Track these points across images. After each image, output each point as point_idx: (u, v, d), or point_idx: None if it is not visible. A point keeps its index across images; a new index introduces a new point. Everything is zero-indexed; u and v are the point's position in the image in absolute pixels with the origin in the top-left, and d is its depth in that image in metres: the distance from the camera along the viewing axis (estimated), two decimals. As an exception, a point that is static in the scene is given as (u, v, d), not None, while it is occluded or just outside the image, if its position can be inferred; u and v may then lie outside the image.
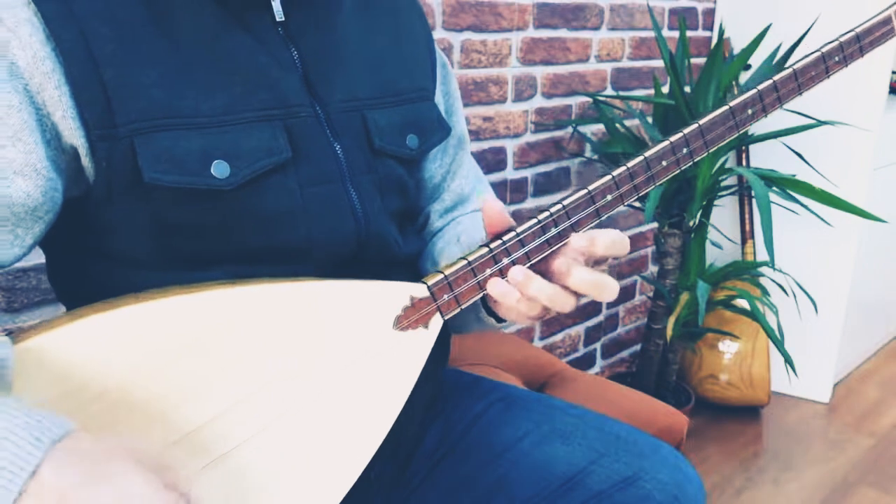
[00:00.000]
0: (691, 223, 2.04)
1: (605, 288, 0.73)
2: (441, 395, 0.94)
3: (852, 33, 0.81)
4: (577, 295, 0.74)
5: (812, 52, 0.80)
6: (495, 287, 0.74)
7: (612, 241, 0.75)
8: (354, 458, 0.71)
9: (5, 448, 0.50)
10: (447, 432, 0.91)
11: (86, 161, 0.68)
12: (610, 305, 2.37)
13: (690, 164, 0.78)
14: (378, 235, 0.80)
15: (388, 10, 0.87)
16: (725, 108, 0.78)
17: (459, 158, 0.96)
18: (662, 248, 2.08)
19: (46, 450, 0.51)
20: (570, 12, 1.95)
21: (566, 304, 0.73)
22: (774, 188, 1.90)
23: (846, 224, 2.27)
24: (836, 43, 0.80)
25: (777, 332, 2.05)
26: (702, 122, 0.78)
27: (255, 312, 0.67)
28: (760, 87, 0.79)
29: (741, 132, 0.79)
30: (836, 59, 0.80)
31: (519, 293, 0.73)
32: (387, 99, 0.83)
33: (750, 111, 0.79)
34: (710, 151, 0.79)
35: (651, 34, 2.23)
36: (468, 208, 0.96)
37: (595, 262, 0.77)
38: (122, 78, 0.67)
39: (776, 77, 0.79)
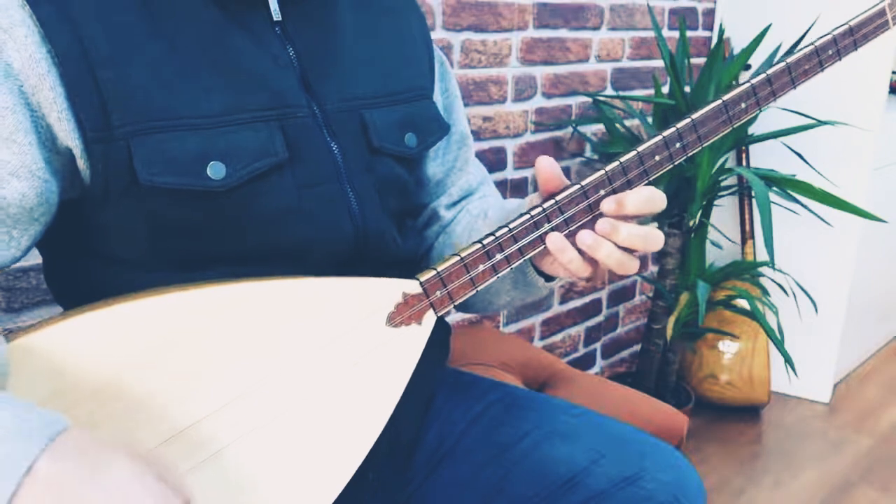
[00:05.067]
0: (691, 223, 2.04)
1: (651, 238, 0.74)
2: (441, 396, 0.94)
3: (846, 26, 0.80)
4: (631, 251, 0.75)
5: (805, 46, 0.79)
6: (553, 242, 0.74)
7: (643, 199, 0.74)
8: (349, 455, 0.71)
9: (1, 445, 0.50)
10: (447, 433, 0.91)
11: (81, 163, 0.68)
12: (610, 305, 2.37)
13: (684, 158, 0.77)
14: (376, 234, 0.80)
15: (386, 8, 0.87)
16: (719, 101, 0.77)
17: (464, 156, 0.96)
18: (662, 248, 2.08)
19: (43, 446, 0.51)
20: (570, 12, 1.95)
21: (628, 264, 0.74)
22: (774, 188, 1.90)
23: (846, 224, 2.27)
24: (829, 37, 0.79)
25: (777, 332, 2.05)
26: (695, 116, 0.77)
27: (246, 310, 0.67)
28: (754, 80, 0.78)
29: (735, 126, 0.78)
30: (830, 52, 0.80)
31: (573, 251, 0.74)
32: (385, 98, 0.83)
33: (744, 105, 0.78)
34: (704, 146, 0.78)
35: (651, 34, 2.23)
36: (475, 198, 0.96)
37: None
38: (117, 80, 0.67)
39: (770, 71, 0.78)
